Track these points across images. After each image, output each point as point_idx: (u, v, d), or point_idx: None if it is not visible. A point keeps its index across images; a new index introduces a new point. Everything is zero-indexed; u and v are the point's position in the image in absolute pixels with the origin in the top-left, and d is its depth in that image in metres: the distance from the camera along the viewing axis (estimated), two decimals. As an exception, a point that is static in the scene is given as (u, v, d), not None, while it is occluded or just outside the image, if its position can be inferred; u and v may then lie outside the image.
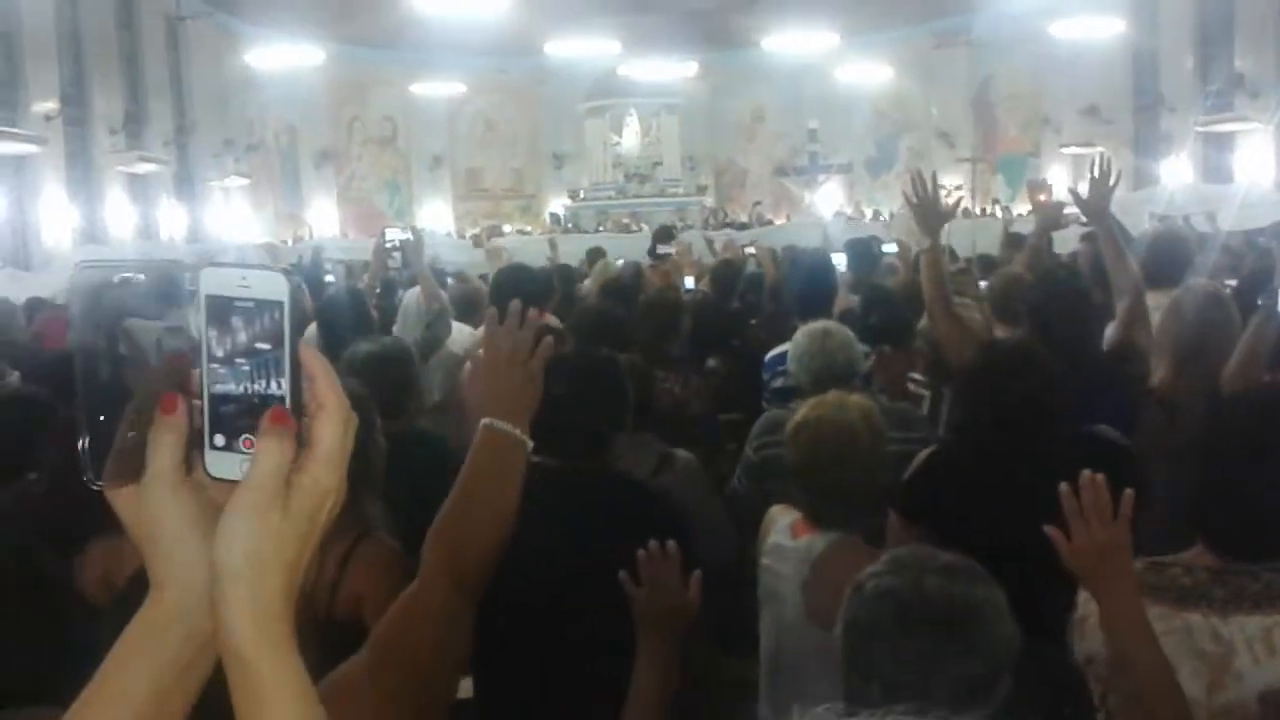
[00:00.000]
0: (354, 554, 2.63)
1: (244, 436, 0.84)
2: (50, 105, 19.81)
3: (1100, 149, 23.18)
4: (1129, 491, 1.91)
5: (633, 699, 2.15)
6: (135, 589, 0.91)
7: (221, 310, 0.84)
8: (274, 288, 0.83)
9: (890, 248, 9.75)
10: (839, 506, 2.81)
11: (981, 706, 1.68)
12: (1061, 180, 22.16)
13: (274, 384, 0.83)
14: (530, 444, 1.94)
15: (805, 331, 3.98)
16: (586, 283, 7.88)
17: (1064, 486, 1.92)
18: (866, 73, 27.63)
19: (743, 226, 24.82)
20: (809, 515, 2.86)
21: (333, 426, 0.85)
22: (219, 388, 0.85)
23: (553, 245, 8.99)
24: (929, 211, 4.19)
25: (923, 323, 4.42)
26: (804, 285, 5.44)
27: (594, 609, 2.33)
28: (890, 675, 1.71)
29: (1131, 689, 1.88)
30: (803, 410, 2.97)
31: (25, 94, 19.40)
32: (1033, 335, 3.85)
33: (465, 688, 2.34)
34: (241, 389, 0.84)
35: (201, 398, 0.86)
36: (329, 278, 10.26)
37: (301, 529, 0.83)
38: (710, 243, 9.65)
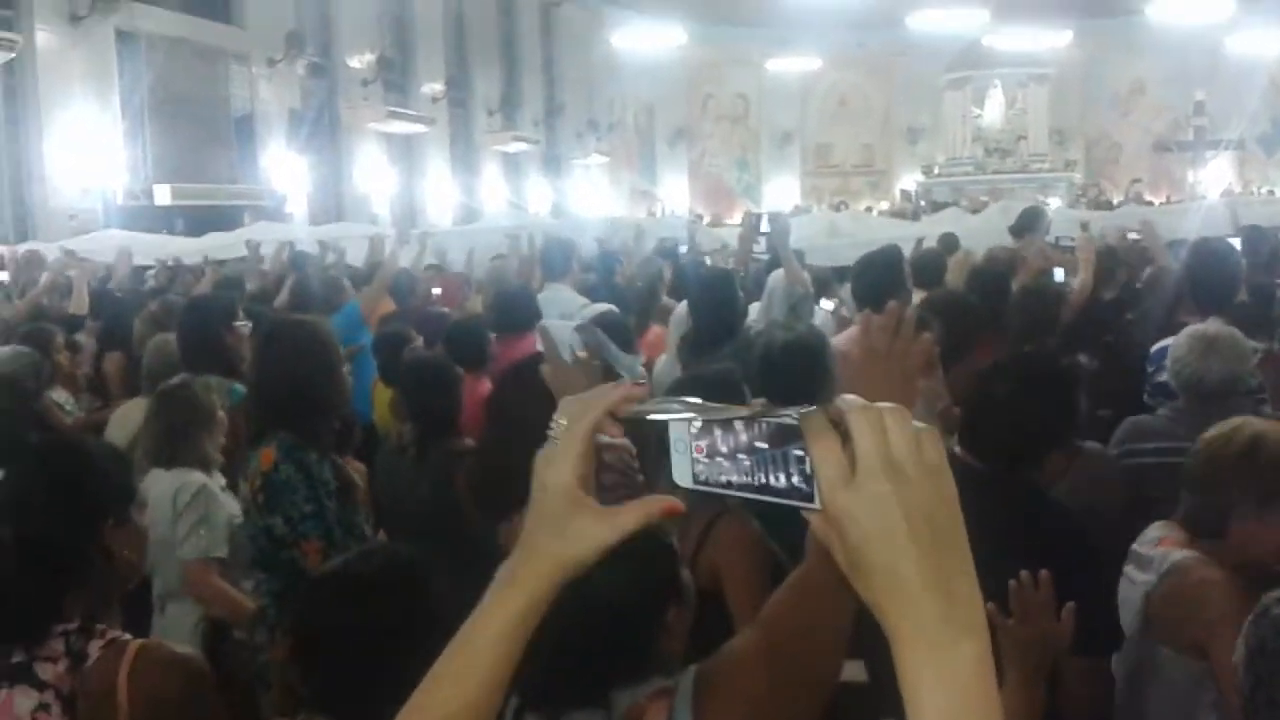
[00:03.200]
0: (713, 529, 2.72)
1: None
2: (436, 87, 21.54)
3: None
4: None
5: None
6: None
7: None
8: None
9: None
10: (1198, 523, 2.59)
11: None
12: None
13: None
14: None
15: (1190, 334, 3.63)
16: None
17: None
18: (1263, 41, 25.08)
19: (1107, 206, 23.22)
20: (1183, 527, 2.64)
21: (860, 437, 0.81)
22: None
23: (920, 242, 8.27)
24: None
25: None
26: (1197, 275, 4.96)
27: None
28: None
29: None
30: (1215, 429, 2.72)
31: (415, 78, 21.20)
32: None
33: (856, 671, 2.30)
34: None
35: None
36: (683, 248, 10.66)
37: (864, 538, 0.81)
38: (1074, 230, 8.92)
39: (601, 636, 1.67)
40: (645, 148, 30.94)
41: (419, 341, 5.12)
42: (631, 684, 1.65)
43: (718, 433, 0.87)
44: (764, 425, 0.85)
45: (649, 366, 4.83)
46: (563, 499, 0.97)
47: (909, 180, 30.06)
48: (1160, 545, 2.64)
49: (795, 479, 0.83)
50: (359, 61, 19.32)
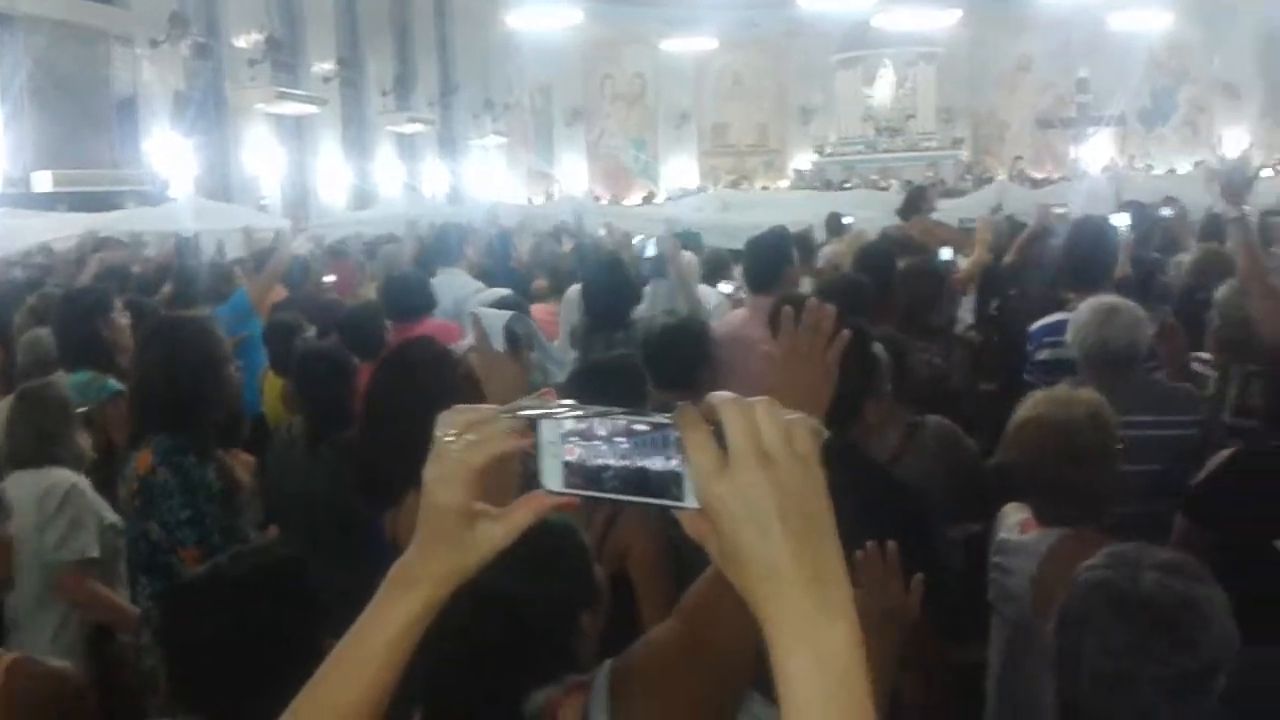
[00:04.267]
0: (619, 515, 2.73)
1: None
2: (328, 67, 21.09)
3: None
4: None
5: None
6: None
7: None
8: None
9: (1167, 211, 9.11)
10: (1070, 505, 2.69)
11: (1194, 700, 1.67)
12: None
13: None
14: (826, 433, 1.91)
15: (1091, 305, 3.74)
16: (828, 249, 7.70)
17: None
18: (1143, 19, 25.91)
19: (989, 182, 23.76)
20: (1038, 514, 2.74)
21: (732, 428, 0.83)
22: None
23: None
24: (1233, 180, 3.89)
25: (1221, 293, 4.07)
26: (1077, 252, 5.11)
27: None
28: (1100, 666, 1.69)
29: None
30: (1025, 407, 2.83)
31: (305, 58, 20.73)
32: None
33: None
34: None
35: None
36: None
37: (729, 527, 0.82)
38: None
39: (516, 645, 1.67)
40: (542, 128, 30.73)
41: (311, 331, 5.04)
42: (546, 687, 1.66)
43: (594, 420, 0.87)
44: (642, 419, 0.86)
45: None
46: (457, 515, 0.98)
47: (804, 159, 30.36)
48: (1025, 530, 2.74)
49: (674, 462, 0.84)
50: (246, 41, 18.81)
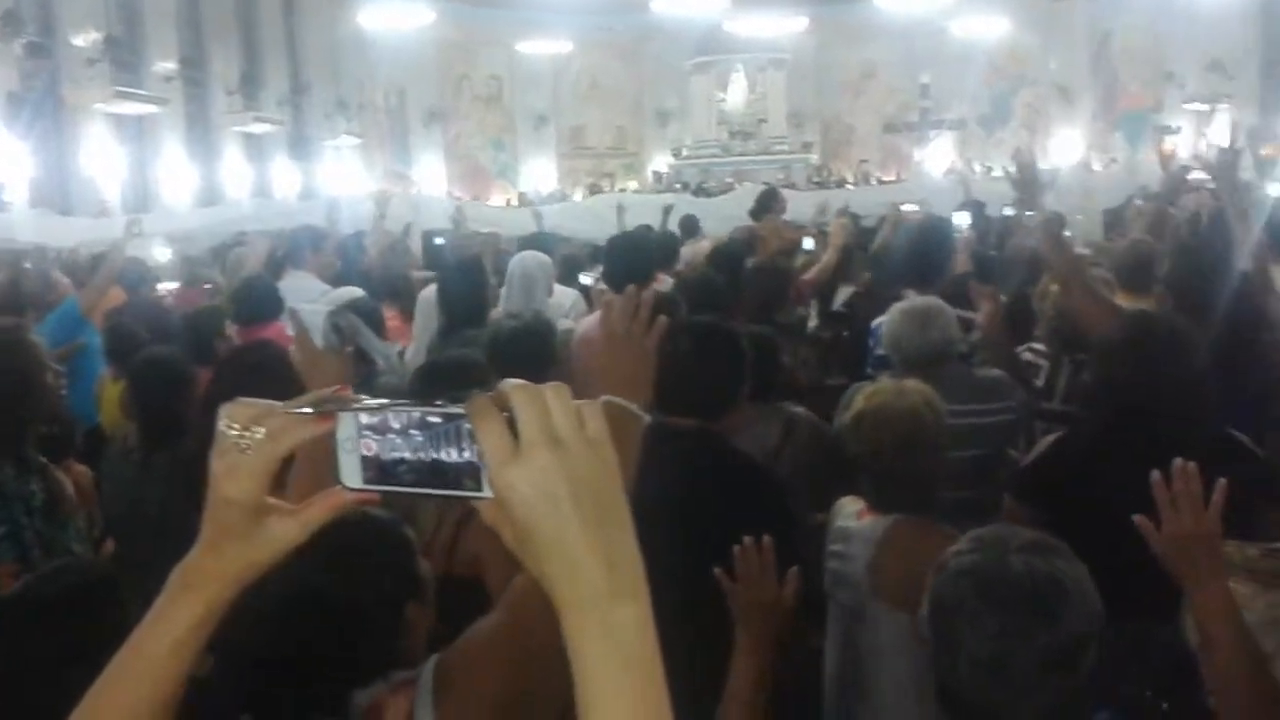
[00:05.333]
0: (471, 516, 2.70)
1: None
2: (169, 66, 20.35)
3: (1225, 106, 22.37)
4: (1221, 481, 1.91)
5: (730, 688, 2.14)
6: None
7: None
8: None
9: (1010, 210, 9.44)
10: (906, 492, 2.78)
11: (1067, 676, 1.71)
12: (1186, 139, 21.48)
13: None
14: (647, 418, 1.94)
15: (902, 310, 3.85)
16: (687, 250, 7.81)
17: (1155, 474, 1.93)
18: (982, 26, 26.86)
19: (840, 184, 24.43)
20: (874, 503, 2.83)
21: (522, 414, 0.83)
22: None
23: (666, 211, 8.92)
24: (1028, 185, 4.07)
25: (1055, 289, 4.24)
26: (914, 251, 5.30)
27: (690, 574, 2.31)
28: (974, 650, 1.72)
29: (1221, 676, 1.90)
30: (859, 401, 2.92)
31: (146, 55, 19.96)
32: (1171, 309, 3.75)
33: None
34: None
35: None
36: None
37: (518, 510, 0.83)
38: (823, 209, 9.44)
39: (335, 640, 1.64)
40: (398, 129, 30.19)
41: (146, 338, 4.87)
42: (371, 684, 1.63)
43: (389, 414, 0.87)
44: (435, 410, 0.86)
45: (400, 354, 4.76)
46: (245, 510, 0.95)
47: (661, 162, 30.62)
48: (861, 517, 2.83)
49: (467, 453, 0.84)
50: (84, 40, 18.00)
